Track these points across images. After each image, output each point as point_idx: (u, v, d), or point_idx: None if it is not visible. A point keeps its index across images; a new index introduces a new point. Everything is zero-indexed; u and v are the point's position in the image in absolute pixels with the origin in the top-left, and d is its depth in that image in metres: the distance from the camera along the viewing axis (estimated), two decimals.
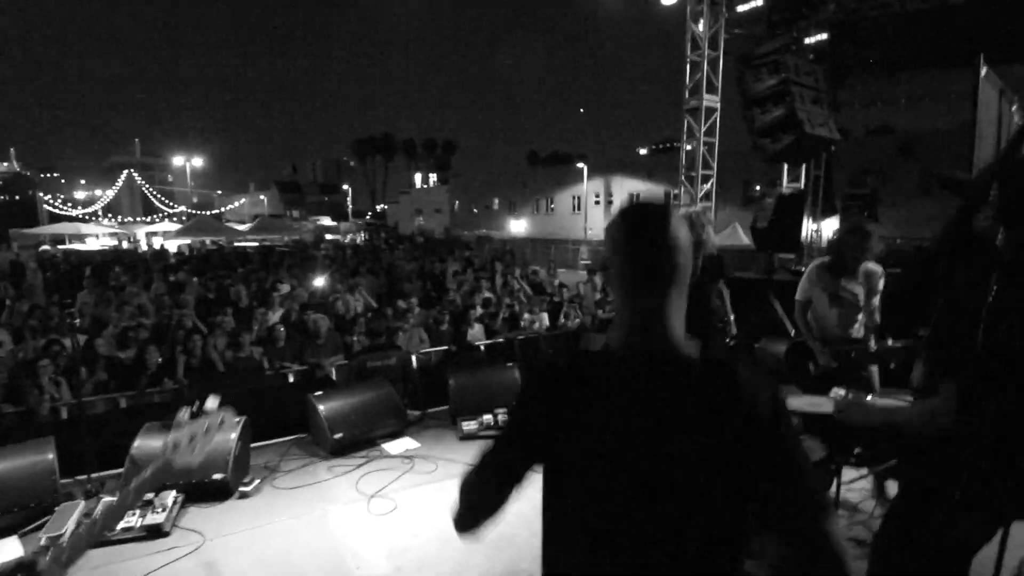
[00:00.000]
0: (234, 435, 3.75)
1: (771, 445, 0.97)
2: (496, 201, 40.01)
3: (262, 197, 57.67)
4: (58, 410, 5.13)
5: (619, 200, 30.98)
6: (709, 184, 7.25)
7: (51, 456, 3.59)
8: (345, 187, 65.86)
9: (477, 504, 1.08)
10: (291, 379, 6.13)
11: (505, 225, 37.14)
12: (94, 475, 3.91)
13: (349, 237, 38.61)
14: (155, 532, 3.23)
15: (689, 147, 7.32)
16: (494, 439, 1.08)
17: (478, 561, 3.01)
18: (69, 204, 49.99)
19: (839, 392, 2.64)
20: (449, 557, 3.07)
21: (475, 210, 41.93)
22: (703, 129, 6.95)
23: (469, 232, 36.49)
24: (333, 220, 50.33)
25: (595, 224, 30.92)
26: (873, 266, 3.43)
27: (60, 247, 30.27)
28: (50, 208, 47.05)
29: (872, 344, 3.45)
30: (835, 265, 3.51)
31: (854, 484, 3.33)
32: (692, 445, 0.94)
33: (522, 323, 7.81)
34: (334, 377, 6.12)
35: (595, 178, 31.57)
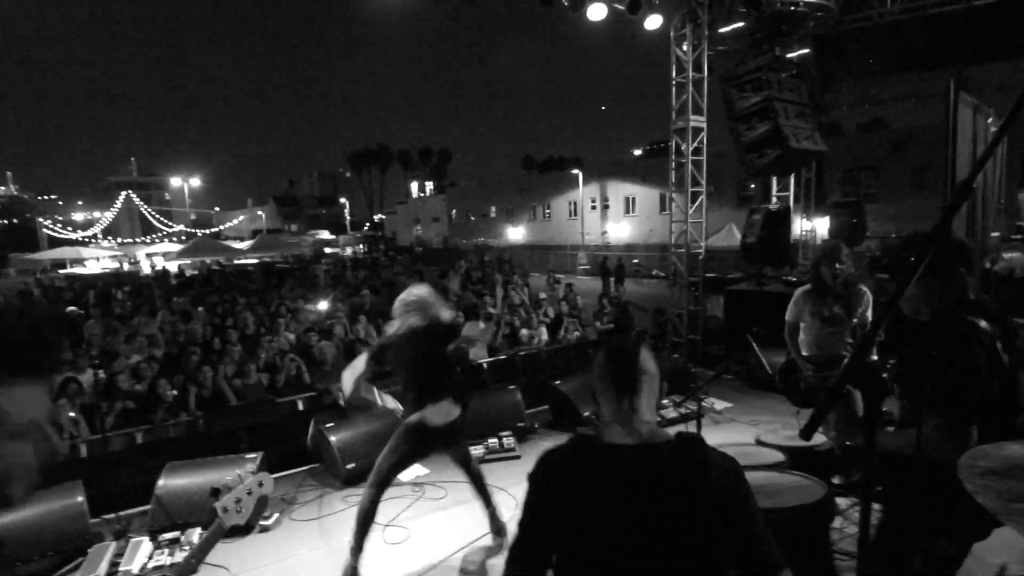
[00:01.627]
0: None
1: (736, 510, 1.19)
2: (493, 209, 40.27)
3: (260, 213, 57.91)
4: (78, 448, 5.31)
5: (615, 205, 31.22)
6: (699, 200, 7.45)
7: (81, 499, 3.77)
8: (342, 200, 66.10)
9: None
10: (300, 406, 6.32)
11: (503, 233, 37.36)
12: (121, 513, 4.09)
13: (349, 250, 38.86)
14: None
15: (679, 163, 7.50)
16: (516, 534, 1.27)
17: None
18: (68, 227, 50.23)
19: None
20: None
21: (472, 218, 42.18)
22: (691, 148, 7.15)
23: (467, 241, 36.73)
24: (332, 233, 50.59)
25: (592, 229, 31.16)
26: (861, 287, 3.67)
27: (61, 271, 30.52)
28: (49, 232, 47.26)
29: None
30: (817, 288, 3.75)
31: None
32: (673, 517, 1.16)
33: (521, 339, 7.99)
34: (342, 402, 6.30)
35: (591, 183, 31.83)
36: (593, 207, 32.26)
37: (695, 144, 7.18)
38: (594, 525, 1.17)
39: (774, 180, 8.91)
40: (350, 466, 4.45)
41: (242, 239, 40.08)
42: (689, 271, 7.57)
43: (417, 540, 3.72)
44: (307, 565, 3.51)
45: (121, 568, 3.41)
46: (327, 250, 37.96)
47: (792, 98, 6.93)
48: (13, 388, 0.99)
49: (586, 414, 5.28)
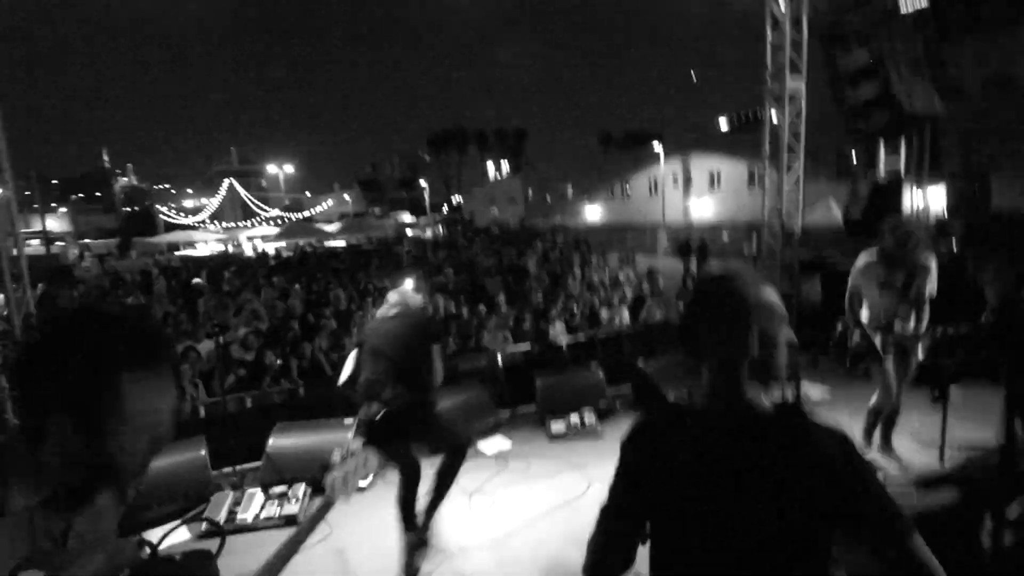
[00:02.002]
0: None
1: (849, 480, 1.08)
2: (570, 188, 39.80)
3: (346, 197, 60.85)
4: (197, 410, 5.92)
5: (699, 180, 29.87)
6: (796, 168, 6.96)
7: (203, 452, 4.22)
8: (422, 182, 67.91)
9: (602, 561, 1.25)
10: None
11: (580, 212, 36.90)
12: (236, 468, 4.53)
13: (429, 232, 40.02)
14: (291, 521, 3.74)
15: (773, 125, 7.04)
16: (607, 495, 1.25)
17: (574, 559, 3.24)
18: (181, 213, 55.32)
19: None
20: (546, 555, 3.33)
21: (549, 199, 41.94)
22: (788, 114, 6.67)
23: (544, 221, 36.63)
24: (412, 215, 52.29)
25: (674, 207, 30.03)
26: (926, 260, 3.65)
27: (176, 253, 33.74)
28: (165, 217, 52.31)
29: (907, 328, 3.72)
30: (883, 258, 3.72)
31: None
32: (771, 491, 1.07)
33: (601, 319, 7.92)
34: None
35: (672, 158, 30.57)
36: (675, 183, 31.03)
37: (792, 109, 6.69)
38: (682, 497, 1.13)
39: (881, 147, 8.16)
40: None
41: (331, 222, 42.32)
42: (783, 250, 7.12)
43: (501, 509, 3.83)
44: (398, 525, 3.71)
45: (238, 516, 3.79)
46: (408, 232, 39.30)
47: (905, 55, 6.27)
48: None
49: (671, 396, 5.17)
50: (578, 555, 3.31)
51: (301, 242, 28.81)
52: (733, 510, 1.09)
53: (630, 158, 34.68)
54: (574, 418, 4.95)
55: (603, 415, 5.12)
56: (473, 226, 42.80)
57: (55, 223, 50.75)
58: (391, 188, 72.59)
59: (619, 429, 5.01)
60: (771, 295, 1.17)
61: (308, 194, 68.33)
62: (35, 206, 42.72)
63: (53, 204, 57.13)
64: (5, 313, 5.72)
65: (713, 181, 29.28)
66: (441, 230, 41.45)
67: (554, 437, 4.83)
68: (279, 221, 46.66)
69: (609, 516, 1.24)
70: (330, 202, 59.99)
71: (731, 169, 28.04)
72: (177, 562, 0.75)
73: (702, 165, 29.65)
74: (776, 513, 1.07)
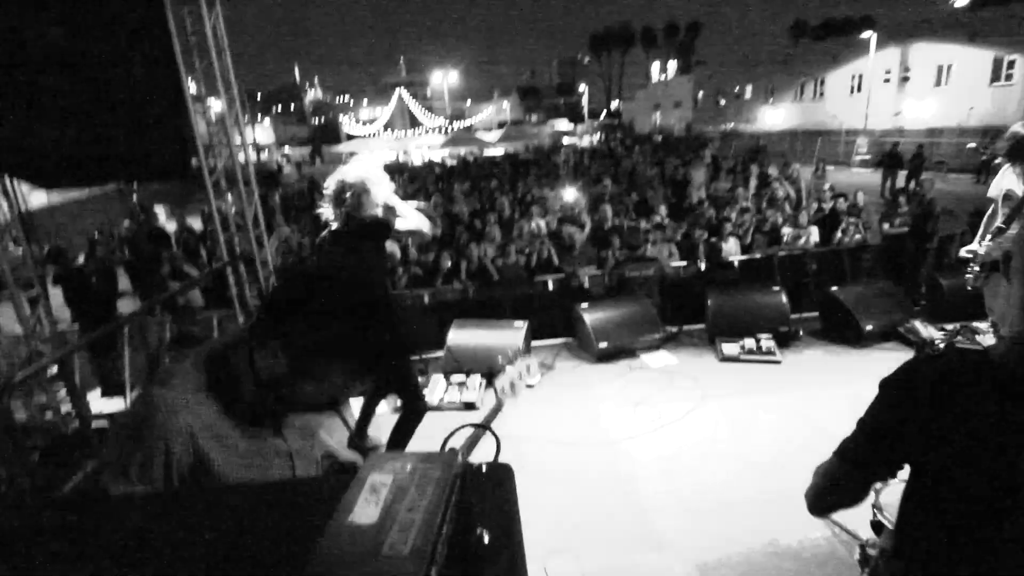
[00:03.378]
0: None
1: None
2: (749, 88, 35.22)
3: (504, 104, 60.89)
4: None
5: (921, 76, 24.44)
6: None
7: None
8: (581, 87, 65.26)
9: (831, 497, 1.14)
10: (550, 286, 6.81)
11: (759, 116, 32.78)
12: (422, 356, 5.04)
13: (586, 140, 38.84)
14: (470, 406, 4.13)
15: None
16: (854, 434, 1.10)
17: (745, 483, 3.13)
18: (359, 122, 60.23)
19: None
20: (715, 471, 3.26)
21: (722, 101, 37.71)
22: None
23: (714, 127, 33.34)
24: (570, 122, 50.96)
25: (881, 109, 25.19)
26: None
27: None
28: (346, 128, 57.47)
29: None
30: None
31: None
32: None
33: (783, 237, 7.12)
34: (587, 286, 6.60)
35: (886, 48, 25.22)
36: (886, 80, 25.73)
37: None
38: (980, 458, 0.94)
39: None
40: (602, 345, 4.68)
41: (490, 129, 43.09)
42: None
43: (667, 422, 3.79)
44: (568, 422, 3.91)
45: (425, 398, 4.26)
46: (565, 140, 38.56)
47: None
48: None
49: (868, 328, 4.55)
50: (752, 481, 3.18)
51: (463, 151, 29.87)
52: None
53: (828, 51, 29.36)
54: (749, 341, 4.63)
55: (783, 341, 4.71)
56: (633, 133, 40.57)
57: (260, 133, 58.47)
58: (549, 95, 71.01)
59: (802, 357, 4.60)
60: None
61: (468, 102, 69.64)
62: (246, 118, 49.51)
63: (258, 115, 65.56)
64: (235, 211, 6.73)
65: (941, 76, 23.73)
66: (598, 138, 39.98)
67: (725, 359, 4.59)
68: (443, 131, 48.66)
69: (853, 453, 1.09)
70: (489, 109, 60.68)
71: (968, 60, 22.44)
72: (484, 473, 0.81)
73: (927, 56, 24.12)
74: None
